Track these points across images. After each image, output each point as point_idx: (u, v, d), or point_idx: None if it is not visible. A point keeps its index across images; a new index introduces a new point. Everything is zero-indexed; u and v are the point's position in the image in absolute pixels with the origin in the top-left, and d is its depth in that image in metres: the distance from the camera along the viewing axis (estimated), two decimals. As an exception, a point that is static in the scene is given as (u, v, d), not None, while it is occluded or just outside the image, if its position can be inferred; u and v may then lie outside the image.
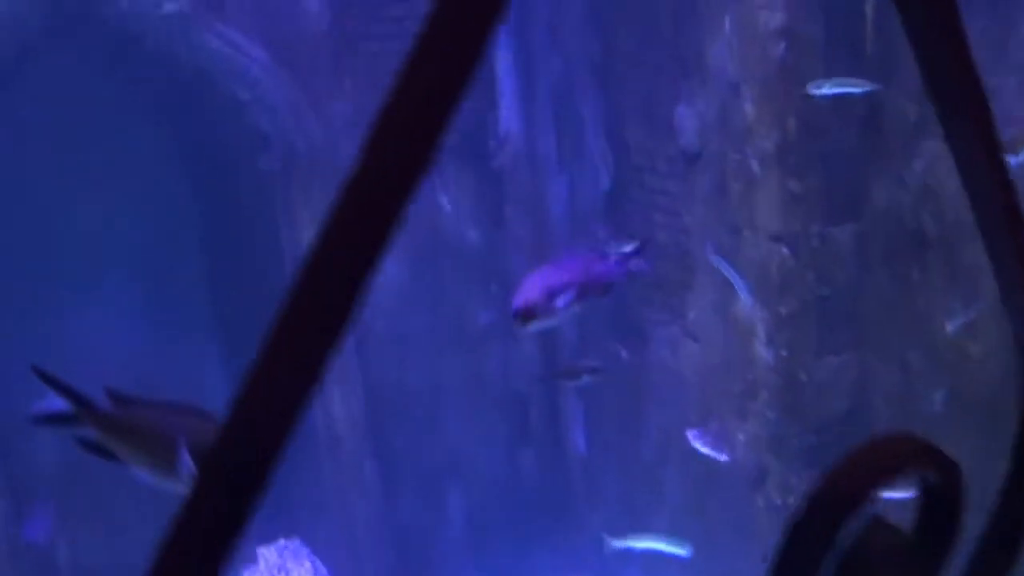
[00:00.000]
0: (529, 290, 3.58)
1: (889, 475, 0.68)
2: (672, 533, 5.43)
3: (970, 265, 4.69)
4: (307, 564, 7.26)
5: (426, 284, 6.68)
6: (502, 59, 6.44)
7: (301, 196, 6.38)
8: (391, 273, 6.62)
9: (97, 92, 6.41)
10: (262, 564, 7.36)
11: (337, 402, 6.56)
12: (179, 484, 2.24)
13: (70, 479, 6.74)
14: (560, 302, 3.57)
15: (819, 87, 4.61)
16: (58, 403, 2.17)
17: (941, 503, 0.73)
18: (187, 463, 2.21)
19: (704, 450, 5.21)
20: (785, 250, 4.99)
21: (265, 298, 7.31)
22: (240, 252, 6.95)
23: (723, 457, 5.15)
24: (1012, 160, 3.84)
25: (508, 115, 6.50)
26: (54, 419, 2.25)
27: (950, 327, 4.63)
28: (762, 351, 5.16)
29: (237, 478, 0.52)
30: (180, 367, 7.05)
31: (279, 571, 7.26)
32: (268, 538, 7.47)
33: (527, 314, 3.56)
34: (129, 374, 6.95)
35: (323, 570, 7.19)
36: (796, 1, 4.67)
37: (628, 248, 4.15)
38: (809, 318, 5.06)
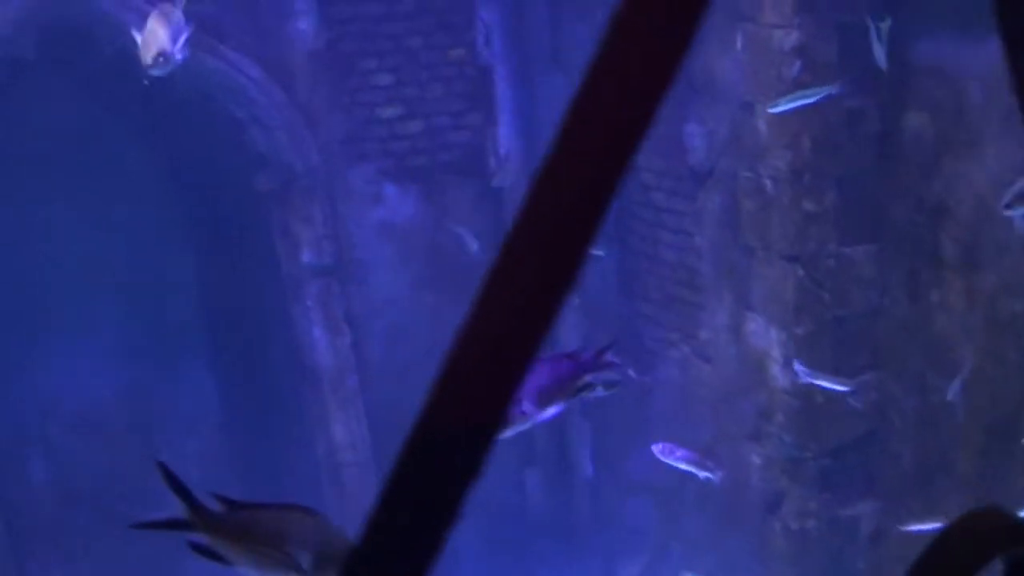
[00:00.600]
0: (528, 384, 3.54)
1: (984, 561, 0.64)
2: (686, 559, 5.34)
3: (989, 286, 4.62)
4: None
5: (426, 305, 6.56)
6: (502, 77, 6.33)
7: (298, 215, 6.25)
8: (390, 293, 6.50)
9: (90, 112, 6.27)
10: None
11: (339, 427, 6.43)
12: None
13: (66, 511, 6.59)
14: (528, 409, 3.52)
15: (776, 105, 4.54)
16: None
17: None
18: (301, 564, 2.20)
19: (679, 465, 4.97)
20: (800, 271, 4.90)
21: (260, 319, 7.18)
22: (235, 272, 6.81)
23: (704, 475, 4.97)
24: None
25: (508, 133, 6.39)
26: (166, 525, 2.22)
27: (951, 395, 4.57)
28: (778, 373, 5.07)
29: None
30: (173, 388, 6.92)
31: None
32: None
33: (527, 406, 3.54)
34: (122, 397, 6.81)
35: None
36: (811, 20, 4.59)
37: (598, 348, 4.06)
38: (826, 339, 4.97)
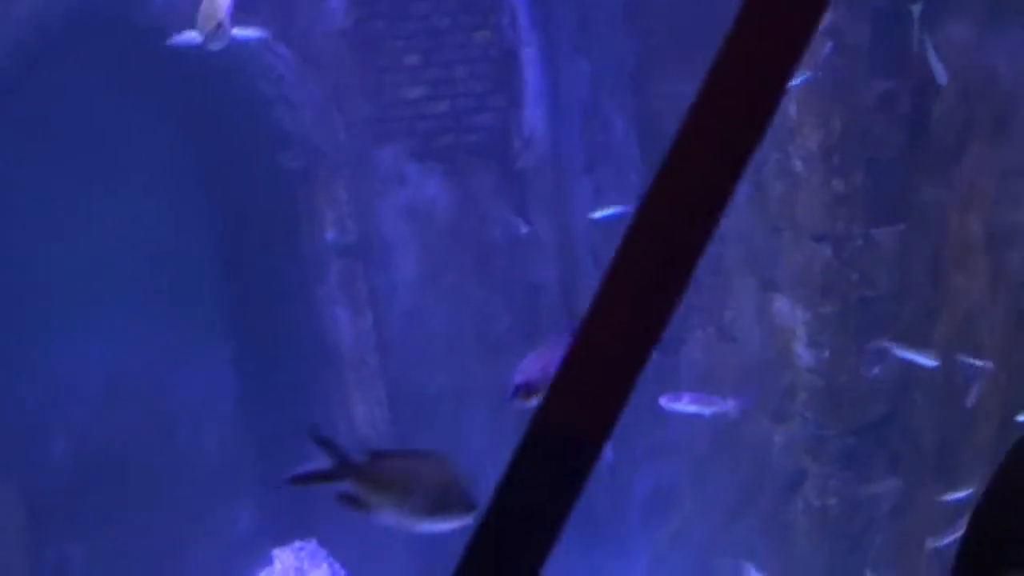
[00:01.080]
0: (531, 369, 3.62)
1: None
2: (707, 539, 5.39)
3: (1013, 267, 4.69)
4: (324, 566, 7.15)
5: (447, 286, 6.61)
6: (527, 59, 6.39)
7: (323, 195, 6.29)
8: (412, 275, 6.55)
9: (118, 89, 6.30)
10: (278, 565, 7.25)
11: (360, 407, 6.47)
12: (424, 527, 2.47)
13: (83, 489, 6.61)
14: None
15: None
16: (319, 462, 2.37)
17: None
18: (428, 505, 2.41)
19: (687, 409, 4.96)
20: (828, 251, 4.96)
21: (281, 298, 7.22)
22: (257, 251, 6.84)
23: (708, 411, 4.97)
24: None
25: (532, 115, 6.44)
26: (316, 477, 2.41)
27: (969, 401, 4.64)
28: (802, 352, 5.13)
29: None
30: (193, 368, 6.94)
31: (296, 573, 7.15)
32: (284, 540, 7.36)
33: (526, 392, 3.60)
34: (141, 377, 6.83)
35: (341, 573, 7.08)
36: (844, 2, 4.65)
37: None
38: (851, 319, 5.04)
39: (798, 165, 4.92)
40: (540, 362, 3.56)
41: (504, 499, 0.51)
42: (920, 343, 5.06)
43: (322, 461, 2.40)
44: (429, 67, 6.29)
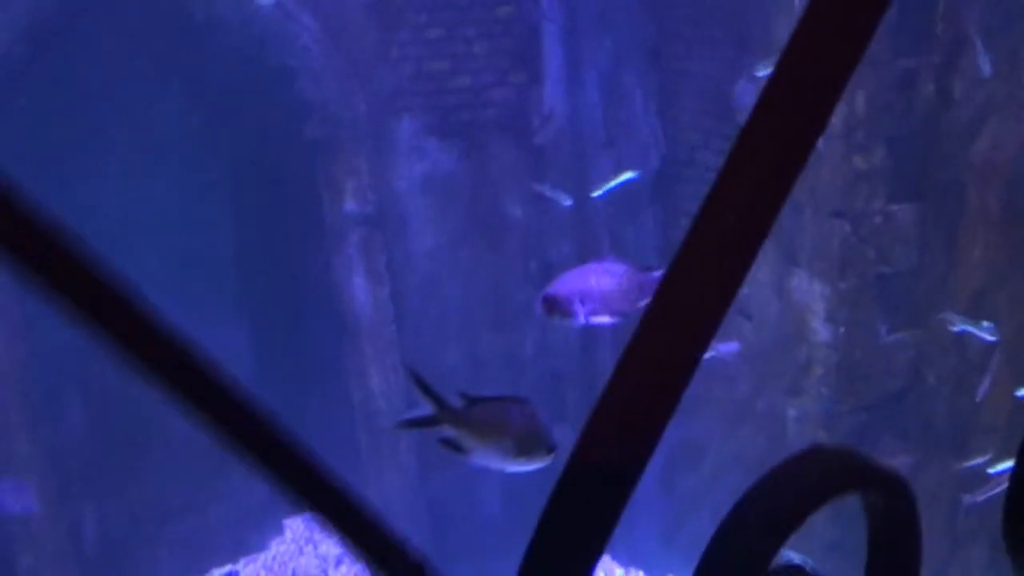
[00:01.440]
0: (563, 286, 3.63)
1: (820, 500, 0.57)
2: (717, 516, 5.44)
3: (1030, 246, 4.74)
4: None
5: (462, 260, 6.66)
6: (549, 36, 6.43)
7: (343, 165, 6.34)
8: (429, 247, 6.60)
9: (140, 57, 6.34)
10: (288, 534, 7.32)
11: (375, 376, 6.53)
12: (510, 468, 2.75)
13: (100, 450, 6.67)
14: (585, 310, 3.60)
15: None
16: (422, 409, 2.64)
17: (892, 528, 0.61)
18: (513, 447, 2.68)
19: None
20: (847, 227, 5.02)
21: (299, 268, 7.26)
22: (276, 220, 6.89)
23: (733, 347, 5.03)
24: None
25: (553, 91, 6.49)
26: (418, 422, 2.67)
27: (978, 396, 4.72)
28: (819, 328, 5.19)
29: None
30: (210, 334, 6.98)
31: (306, 543, 7.22)
32: (295, 510, 7.43)
33: (551, 307, 3.62)
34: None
35: (351, 545, 7.13)
36: (870, -22, 4.69)
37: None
38: (868, 296, 5.09)
39: (820, 142, 4.97)
40: (571, 281, 3.58)
41: (544, 535, 0.53)
42: (934, 319, 5.12)
43: (425, 408, 2.66)
44: (451, 41, 6.34)
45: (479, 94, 6.48)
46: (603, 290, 3.55)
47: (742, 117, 5.77)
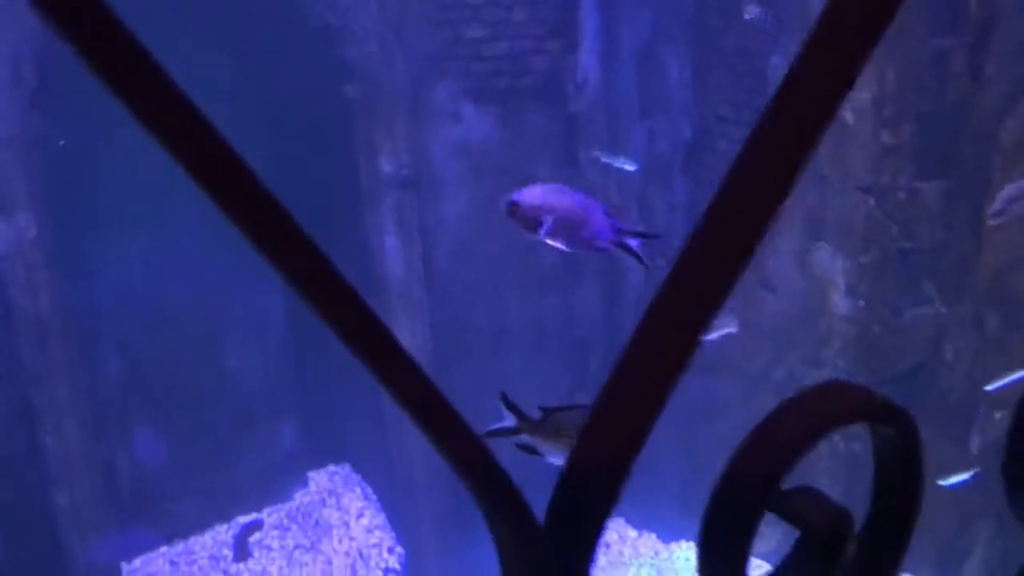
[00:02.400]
0: (530, 195, 3.65)
1: (835, 422, 0.60)
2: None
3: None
4: (357, 490, 7.39)
5: (493, 225, 6.77)
6: (586, 3, 6.51)
7: (381, 126, 6.47)
8: (462, 211, 6.72)
9: (181, 16, 6.49)
10: (312, 487, 7.51)
11: (404, 335, 6.67)
12: None
13: (134, 400, 6.87)
14: (546, 223, 3.62)
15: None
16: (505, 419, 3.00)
17: (896, 463, 0.65)
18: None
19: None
20: (872, 201, 5.09)
21: (332, 227, 7.39)
22: (311, 179, 7.04)
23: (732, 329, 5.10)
24: None
25: (588, 60, 6.58)
26: (502, 432, 3.00)
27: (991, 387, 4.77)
28: (839, 301, 5.27)
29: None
30: (243, 291, 7.16)
31: (329, 495, 7.40)
32: (319, 463, 7.61)
33: (512, 211, 3.64)
34: (194, 298, 7.07)
35: (373, 497, 7.31)
36: (906, -44, 4.75)
37: (637, 227, 4.07)
38: (889, 270, 5.17)
39: (849, 116, 5.04)
40: (542, 194, 3.59)
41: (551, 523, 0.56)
42: (954, 297, 5.19)
43: (508, 419, 3.02)
44: (491, 7, 6.44)
45: (516, 61, 6.58)
46: (569, 214, 3.57)
47: (773, 91, 5.86)
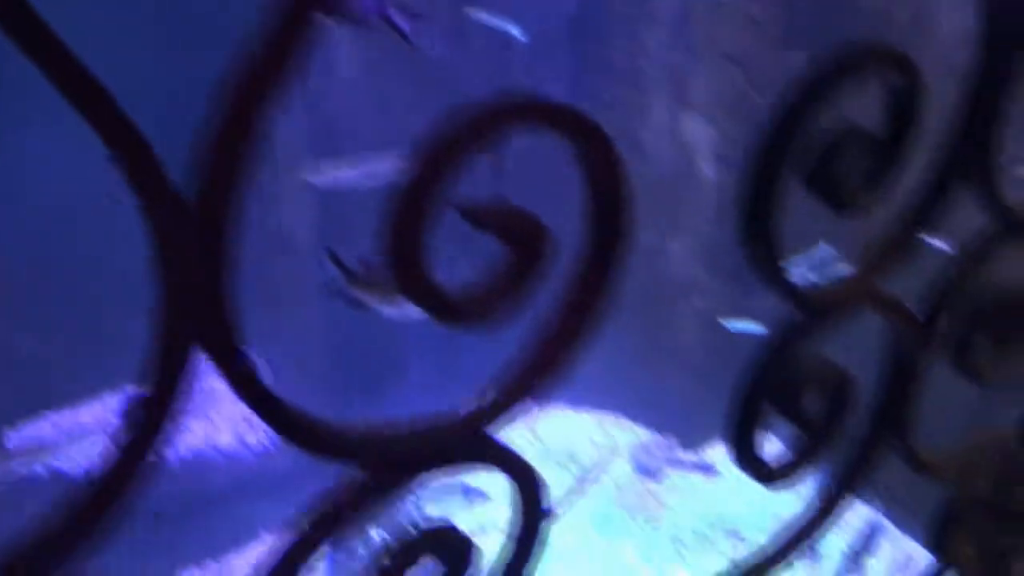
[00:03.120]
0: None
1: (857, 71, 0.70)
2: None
3: None
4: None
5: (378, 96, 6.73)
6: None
7: None
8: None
9: None
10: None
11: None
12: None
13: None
14: None
15: None
16: None
17: (903, 103, 0.77)
18: None
19: None
20: (740, 73, 5.24)
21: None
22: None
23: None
24: None
25: None
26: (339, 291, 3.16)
27: None
28: (705, 168, 5.45)
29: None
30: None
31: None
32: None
33: None
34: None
35: (266, 369, 7.32)
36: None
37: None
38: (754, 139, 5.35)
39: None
40: None
41: None
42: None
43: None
44: None
45: None
46: None
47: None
